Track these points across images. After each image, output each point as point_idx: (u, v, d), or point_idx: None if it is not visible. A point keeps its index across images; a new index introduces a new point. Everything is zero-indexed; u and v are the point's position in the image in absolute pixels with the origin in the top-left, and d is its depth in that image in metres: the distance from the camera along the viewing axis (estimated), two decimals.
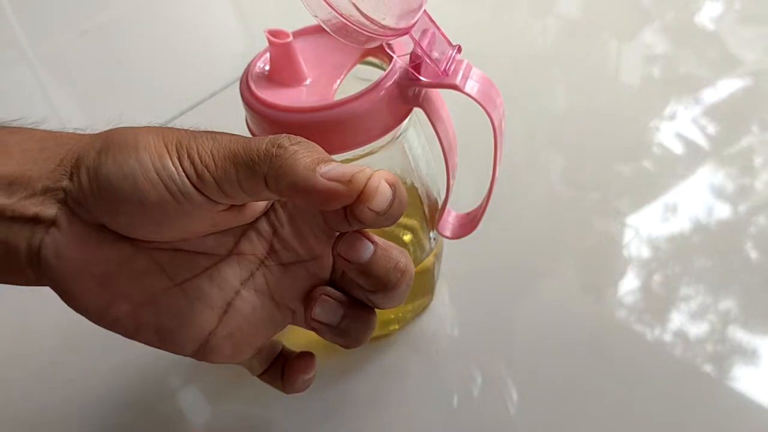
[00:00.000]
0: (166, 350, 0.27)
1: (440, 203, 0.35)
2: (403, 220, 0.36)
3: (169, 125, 0.56)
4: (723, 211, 0.43)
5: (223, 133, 0.24)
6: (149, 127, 0.25)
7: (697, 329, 0.36)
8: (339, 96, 0.29)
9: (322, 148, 0.29)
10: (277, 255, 0.27)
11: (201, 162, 0.23)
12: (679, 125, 0.50)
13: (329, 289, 0.27)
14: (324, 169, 0.23)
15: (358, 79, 0.31)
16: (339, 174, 0.23)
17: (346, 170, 0.23)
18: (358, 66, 0.31)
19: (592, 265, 0.41)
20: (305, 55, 0.30)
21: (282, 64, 0.30)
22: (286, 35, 0.29)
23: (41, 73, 0.70)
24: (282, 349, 0.31)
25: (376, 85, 0.28)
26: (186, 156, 0.23)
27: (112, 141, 0.24)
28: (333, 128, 0.28)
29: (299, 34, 0.32)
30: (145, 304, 0.25)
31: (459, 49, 0.29)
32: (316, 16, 0.26)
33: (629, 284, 0.39)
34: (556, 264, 0.41)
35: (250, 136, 0.27)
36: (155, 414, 0.36)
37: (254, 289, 0.27)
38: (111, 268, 0.24)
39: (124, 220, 0.24)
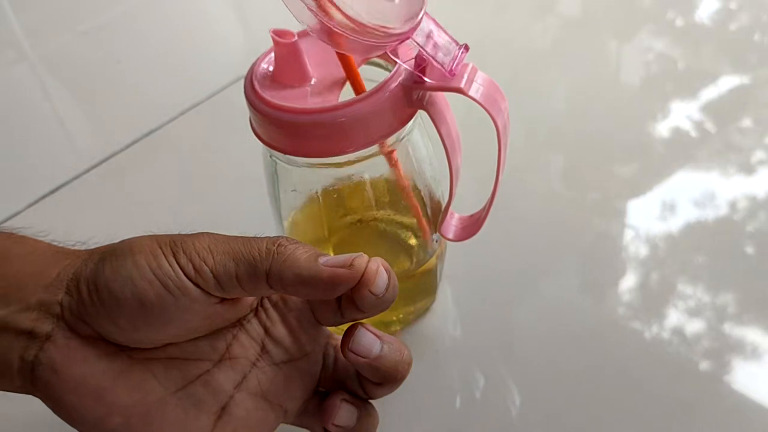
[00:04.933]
0: None
1: (443, 205, 0.35)
2: (405, 220, 0.36)
3: (169, 125, 0.57)
4: (722, 209, 0.43)
5: (217, 233, 0.25)
6: (142, 235, 0.25)
7: (700, 329, 0.37)
8: (343, 97, 0.29)
9: (327, 149, 0.29)
10: (269, 355, 0.28)
11: (199, 257, 0.24)
12: (678, 125, 0.50)
13: (344, 392, 0.28)
14: (324, 259, 0.24)
15: (362, 79, 0.31)
16: (340, 261, 0.24)
17: (345, 257, 0.24)
18: (363, 66, 0.31)
19: (592, 264, 0.41)
20: (310, 55, 0.30)
21: (287, 64, 0.30)
22: (291, 35, 0.29)
23: (41, 73, 0.69)
24: None
25: (381, 87, 0.28)
26: (182, 253, 0.24)
27: (108, 252, 0.25)
28: (337, 129, 0.28)
29: (304, 34, 0.32)
30: (140, 415, 0.25)
31: (466, 48, 0.28)
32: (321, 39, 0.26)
33: (630, 284, 0.39)
34: (557, 264, 0.41)
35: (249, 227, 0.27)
36: None
37: (247, 391, 0.27)
38: (107, 381, 0.25)
39: (126, 324, 0.24)
